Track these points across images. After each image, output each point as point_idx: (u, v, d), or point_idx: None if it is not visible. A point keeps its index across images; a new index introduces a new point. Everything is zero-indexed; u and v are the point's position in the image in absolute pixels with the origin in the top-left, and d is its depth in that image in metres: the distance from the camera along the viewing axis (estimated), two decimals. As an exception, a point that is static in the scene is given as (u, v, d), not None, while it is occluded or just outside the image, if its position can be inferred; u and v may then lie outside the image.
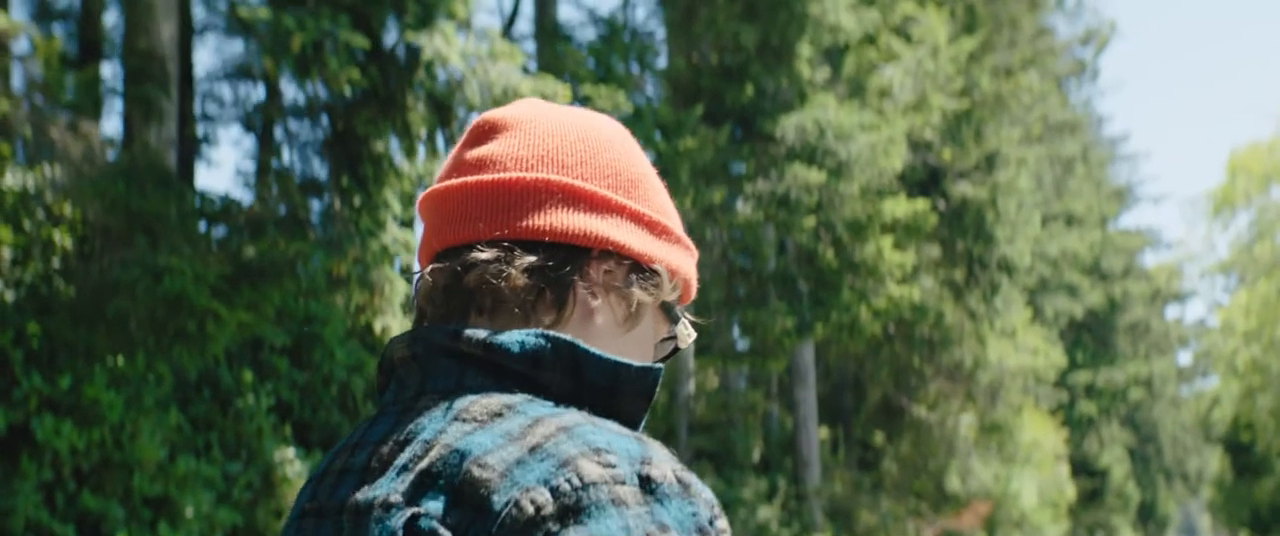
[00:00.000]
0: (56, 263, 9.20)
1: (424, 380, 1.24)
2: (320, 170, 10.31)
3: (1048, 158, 35.11)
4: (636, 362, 1.24)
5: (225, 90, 13.21)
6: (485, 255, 1.24)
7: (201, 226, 9.89)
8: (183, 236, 9.16)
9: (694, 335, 1.38)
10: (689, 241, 1.37)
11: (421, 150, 9.14)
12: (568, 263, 1.26)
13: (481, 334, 1.21)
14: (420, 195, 1.38)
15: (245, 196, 12.54)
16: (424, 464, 1.14)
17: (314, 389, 10.97)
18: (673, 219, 1.35)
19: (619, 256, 1.28)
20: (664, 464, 1.12)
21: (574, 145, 1.30)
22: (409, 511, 1.11)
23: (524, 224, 1.25)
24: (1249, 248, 34.45)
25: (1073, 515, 40.21)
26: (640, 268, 1.29)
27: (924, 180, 19.23)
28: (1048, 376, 30.41)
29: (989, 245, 20.15)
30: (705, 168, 14.03)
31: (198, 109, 13.01)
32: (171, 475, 8.83)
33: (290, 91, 11.35)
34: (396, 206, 9.09)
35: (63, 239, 9.19)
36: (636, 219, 1.30)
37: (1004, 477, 25.77)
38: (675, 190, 13.38)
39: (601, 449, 1.11)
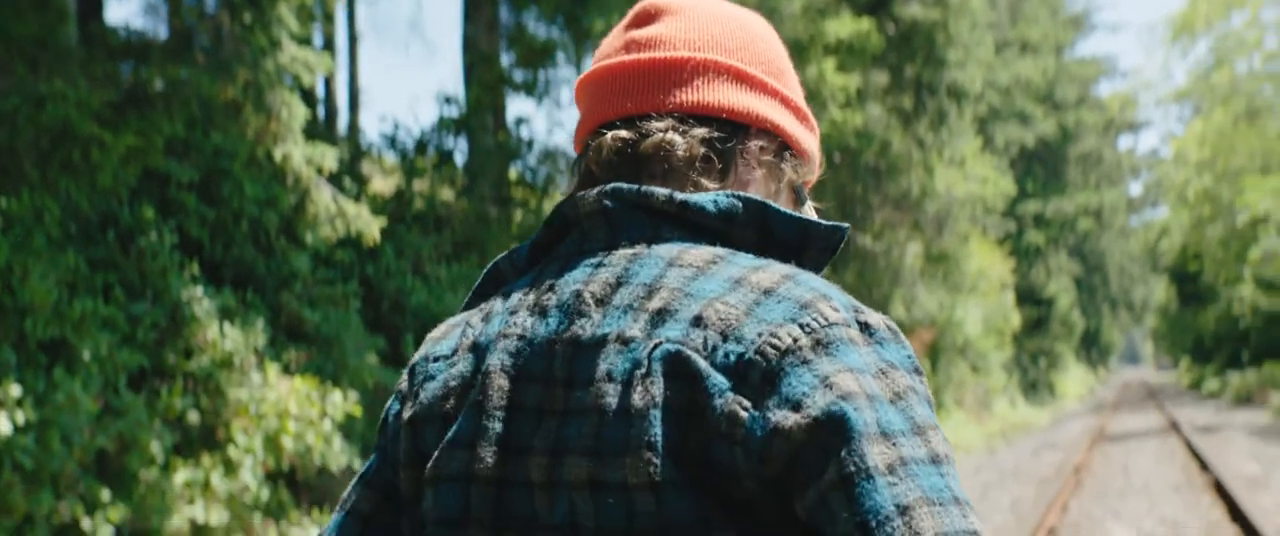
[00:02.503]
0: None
1: (614, 233, 1.31)
2: None
3: (1001, -18, 34.45)
4: (824, 221, 1.35)
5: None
6: (661, 124, 1.34)
7: (94, 56, 9.22)
8: (76, 66, 8.57)
9: (815, 211, 1.50)
10: (817, 128, 1.50)
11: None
12: (733, 136, 1.37)
13: (670, 192, 1.30)
14: (576, 79, 1.46)
15: (157, 29, 11.91)
16: (655, 304, 1.22)
17: (225, 225, 10.43)
18: (807, 108, 1.48)
19: (772, 135, 1.40)
20: (873, 313, 1.25)
21: (736, 32, 1.42)
22: (651, 342, 1.19)
23: (696, 99, 1.36)
24: (1207, 76, 34.04)
25: (1017, 342, 40.51)
26: (786, 147, 1.42)
27: (871, 1, 18.57)
28: (996, 206, 30.20)
29: (939, 70, 19.60)
30: (637, -11, 13.36)
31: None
32: (67, 318, 8.34)
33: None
34: (292, 22, 8.42)
35: (-54, 73, 8.56)
36: (786, 103, 1.42)
37: (949, 306, 25.70)
38: (602, 15, 12.73)
39: (826, 294, 1.23)
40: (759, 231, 1.32)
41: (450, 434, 1.30)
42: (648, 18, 1.43)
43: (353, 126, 14.13)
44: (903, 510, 1.11)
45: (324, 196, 8.85)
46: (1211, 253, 31.95)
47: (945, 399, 25.82)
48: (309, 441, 8.78)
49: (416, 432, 1.35)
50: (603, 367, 1.22)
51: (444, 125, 14.35)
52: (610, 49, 1.43)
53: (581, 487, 1.20)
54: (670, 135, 1.33)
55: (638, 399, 1.19)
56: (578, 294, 1.27)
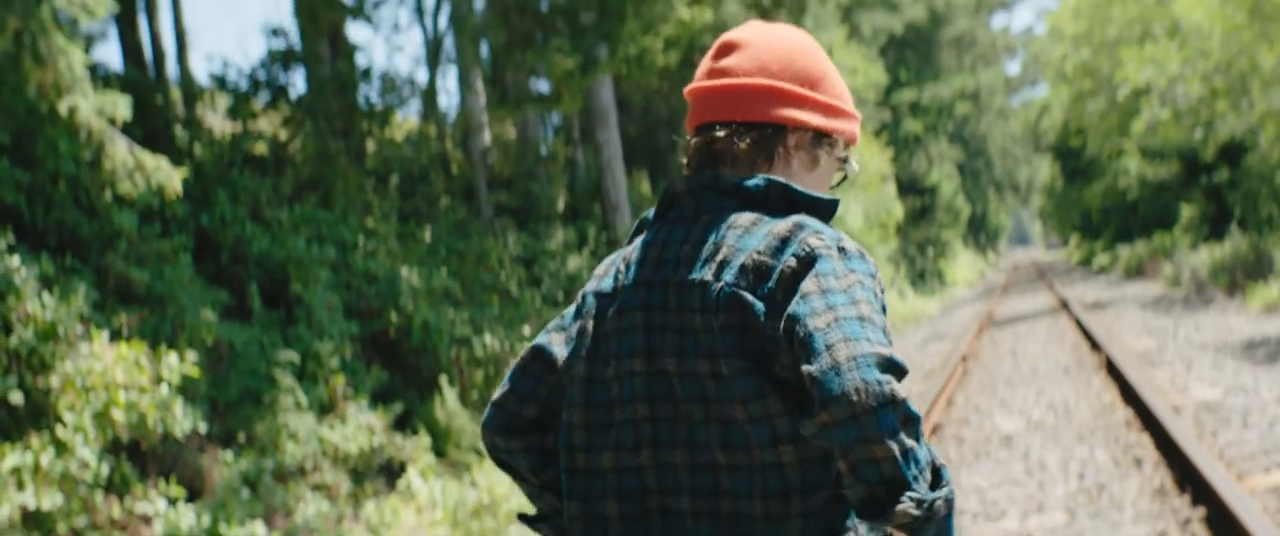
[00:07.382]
0: None
1: (698, 206, 2.14)
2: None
3: None
4: (825, 195, 2.17)
5: None
6: (726, 131, 2.15)
7: None
8: None
9: (856, 169, 2.31)
10: (854, 111, 2.28)
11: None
12: (775, 136, 2.16)
13: (732, 179, 2.11)
14: (687, 89, 2.25)
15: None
16: (721, 256, 2.03)
17: (42, 188, 9.73)
18: (845, 100, 2.25)
19: (804, 130, 2.18)
20: (851, 242, 2.05)
21: (781, 57, 2.17)
22: (720, 283, 2.00)
23: (747, 113, 2.15)
24: (1077, -54, 33.70)
25: (902, 233, 40.56)
26: (820, 135, 2.20)
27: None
28: (868, 97, 30.00)
29: (796, -39, 19.09)
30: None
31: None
32: None
33: None
34: (69, -37, 7.71)
35: None
36: (815, 105, 2.18)
37: (827, 203, 25.34)
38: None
39: (819, 231, 2.02)
40: (786, 200, 2.10)
41: (616, 346, 2.08)
42: (724, 51, 2.19)
43: (183, 70, 13.33)
44: (829, 346, 1.85)
45: (119, 150, 8.18)
46: (1094, 127, 31.81)
47: (832, 296, 25.57)
48: (143, 409, 8.20)
49: (583, 338, 2.13)
50: (696, 300, 2.01)
51: (274, 58, 13.59)
52: (702, 73, 2.20)
53: (707, 376, 1.99)
54: (730, 139, 2.12)
55: (716, 322, 1.98)
56: (678, 253, 2.08)
